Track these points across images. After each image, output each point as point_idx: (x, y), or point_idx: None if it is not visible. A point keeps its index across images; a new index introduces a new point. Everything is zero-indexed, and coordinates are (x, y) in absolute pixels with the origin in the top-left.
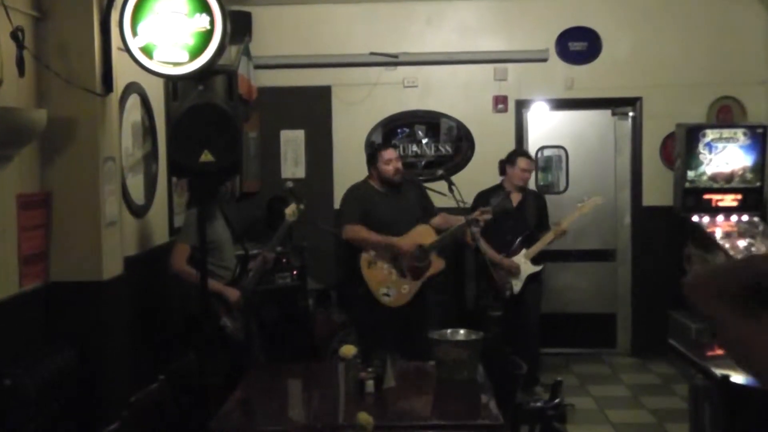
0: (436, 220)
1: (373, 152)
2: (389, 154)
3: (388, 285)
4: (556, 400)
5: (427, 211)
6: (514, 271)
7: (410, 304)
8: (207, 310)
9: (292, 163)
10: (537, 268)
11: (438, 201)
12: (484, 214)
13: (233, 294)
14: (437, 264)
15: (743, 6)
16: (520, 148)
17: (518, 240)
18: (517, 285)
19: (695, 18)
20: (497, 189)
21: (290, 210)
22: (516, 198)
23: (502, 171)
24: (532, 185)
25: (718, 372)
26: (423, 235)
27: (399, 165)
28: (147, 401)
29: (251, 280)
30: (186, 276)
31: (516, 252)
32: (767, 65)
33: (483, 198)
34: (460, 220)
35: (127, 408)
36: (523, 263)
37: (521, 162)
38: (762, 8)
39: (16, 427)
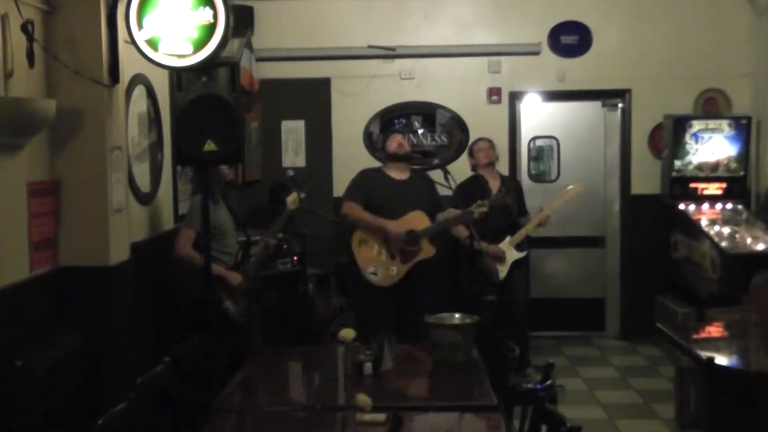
0: (444, 214)
1: (384, 139)
2: (399, 136)
3: (377, 264)
4: (548, 382)
5: (435, 204)
6: (501, 256)
7: (401, 287)
8: (211, 294)
9: (293, 153)
10: (521, 255)
11: (439, 189)
12: (480, 208)
13: (235, 278)
14: (428, 250)
15: (728, 1)
16: (480, 138)
17: (501, 226)
18: (502, 271)
19: (682, 13)
20: (474, 178)
21: (291, 198)
22: (495, 185)
23: (472, 166)
24: (524, 174)
25: (703, 354)
26: (416, 220)
27: (404, 144)
28: (153, 383)
29: (253, 265)
30: (189, 260)
31: (500, 239)
32: (751, 58)
33: (463, 188)
34: (455, 213)
35: (133, 389)
36: (508, 250)
37: (477, 145)
38: (746, 3)
39: (26, 408)
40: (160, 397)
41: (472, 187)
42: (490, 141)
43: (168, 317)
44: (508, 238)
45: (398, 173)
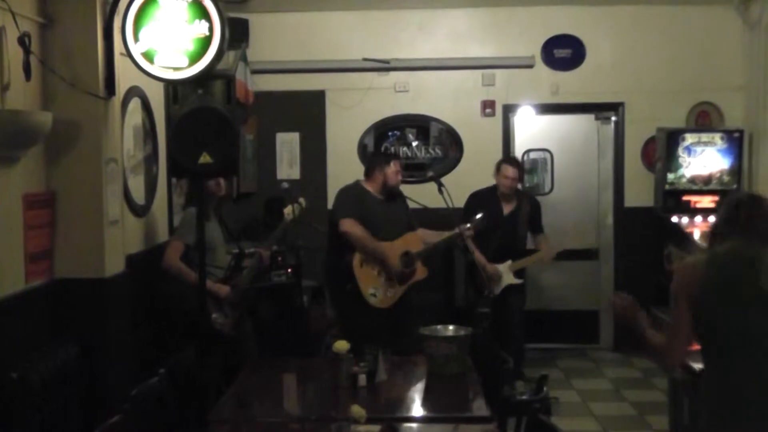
0: (417, 234)
1: (383, 159)
2: (398, 165)
3: (376, 286)
4: (542, 394)
5: (411, 221)
6: (495, 278)
7: (394, 306)
8: (202, 307)
9: (288, 165)
10: (517, 281)
11: (431, 202)
12: (465, 232)
13: (223, 290)
14: (421, 271)
15: (721, 16)
16: (507, 156)
17: (505, 248)
18: (495, 291)
19: (675, 27)
20: (492, 190)
21: (288, 210)
22: (508, 207)
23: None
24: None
25: (696, 366)
26: (411, 241)
27: (401, 173)
28: (148, 394)
29: (246, 276)
30: (176, 272)
31: (502, 260)
32: (743, 72)
33: (476, 198)
34: (441, 235)
35: (128, 401)
36: (506, 273)
37: (505, 169)
38: (738, 18)
39: (22, 420)
40: (155, 409)
41: (485, 201)
42: (517, 166)
43: (162, 329)
44: (509, 262)
45: (379, 193)
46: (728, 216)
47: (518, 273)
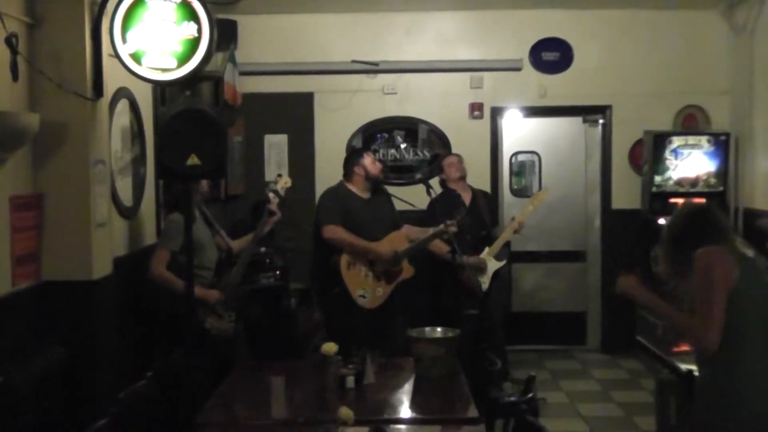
0: (403, 231)
1: (356, 155)
2: (371, 155)
3: (365, 287)
4: (530, 395)
5: (396, 220)
6: (483, 267)
7: (382, 308)
8: (190, 310)
9: (276, 167)
10: (501, 263)
11: (419, 204)
12: (450, 227)
13: (212, 296)
14: (408, 270)
15: (707, 20)
16: (448, 153)
17: (476, 238)
18: (484, 283)
19: (662, 31)
20: (448, 194)
21: (283, 181)
22: (467, 197)
23: (442, 182)
24: (506, 189)
25: (683, 367)
26: (397, 240)
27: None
28: (135, 398)
29: (236, 275)
30: (163, 282)
31: (478, 251)
32: (730, 76)
33: (437, 204)
34: (426, 231)
35: (115, 404)
36: (488, 260)
37: (447, 160)
38: (725, 22)
39: (8, 423)
40: (142, 412)
41: (447, 202)
42: (459, 156)
43: (150, 332)
44: (486, 249)
45: (363, 191)
46: (698, 226)
47: (498, 256)
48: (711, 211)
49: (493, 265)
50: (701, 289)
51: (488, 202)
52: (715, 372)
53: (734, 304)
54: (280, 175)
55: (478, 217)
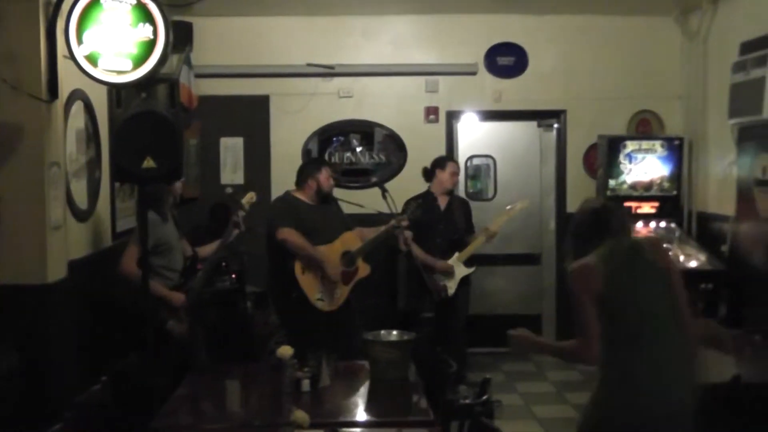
0: (355, 232)
1: (313, 167)
2: (329, 170)
3: (322, 290)
4: (485, 397)
5: (347, 223)
6: (450, 272)
7: (338, 310)
8: (150, 312)
9: (231, 170)
10: (470, 270)
11: (375, 207)
12: (401, 222)
13: (178, 299)
14: (364, 269)
15: (660, 27)
16: (448, 155)
17: (448, 242)
18: (451, 288)
19: (616, 37)
20: (426, 195)
21: (248, 197)
22: (443, 201)
23: (428, 178)
24: (462, 192)
25: None
26: (350, 241)
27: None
28: (90, 402)
29: (199, 280)
30: (132, 278)
31: (447, 255)
32: (683, 81)
33: (413, 203)
34: (378, 230)
35: (70, 408)
36: (456, 266)
37: (451, 166)
38: (677, 29)
39: None
40: (97, 416)
41: (422, 202)
42: (457, 162)
43: (107, 335)
44: (456, 254)
45: (311, 199)
46: (597, 223)
47: (468, 263)
48: (605, 208)
49: (461, 271)
50: (574, 307)
51: (464, 209)
52: (610, 369)
53: (609, 306)
54: (235, 191)
55: (450, 221)
